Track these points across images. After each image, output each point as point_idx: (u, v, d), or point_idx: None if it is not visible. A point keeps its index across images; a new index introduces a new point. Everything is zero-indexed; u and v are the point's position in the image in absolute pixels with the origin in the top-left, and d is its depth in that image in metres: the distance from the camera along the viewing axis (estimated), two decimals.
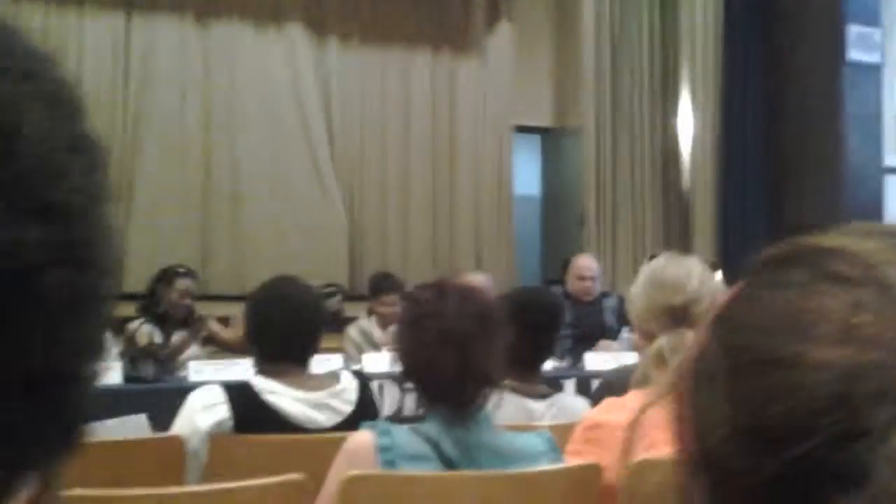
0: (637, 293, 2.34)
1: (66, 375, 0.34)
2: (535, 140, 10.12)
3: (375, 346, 5.65)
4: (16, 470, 0.32)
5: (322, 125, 8.70)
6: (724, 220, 8.80)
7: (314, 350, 2.85)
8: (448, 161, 9.12)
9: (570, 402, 3.17)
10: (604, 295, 6.39)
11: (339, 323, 6.22)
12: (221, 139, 8.36)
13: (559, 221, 9.74)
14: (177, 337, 5.40)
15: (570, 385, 4.43)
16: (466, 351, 2.05)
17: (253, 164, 8.42)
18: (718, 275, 2.44)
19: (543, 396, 3.08)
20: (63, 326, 0.32)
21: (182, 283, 5.55)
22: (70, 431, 0.35)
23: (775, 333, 0.44)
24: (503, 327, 2.14)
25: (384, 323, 5.82)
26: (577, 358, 5.41)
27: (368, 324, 6.01)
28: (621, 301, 6.37)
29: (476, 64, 9.23)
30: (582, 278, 6.17)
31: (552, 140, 10.03)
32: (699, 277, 2.28)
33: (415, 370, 2.13)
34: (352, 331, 6.00)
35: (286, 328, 2.75)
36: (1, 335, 0.30)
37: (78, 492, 1.90)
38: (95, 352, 0.36)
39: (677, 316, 2.23)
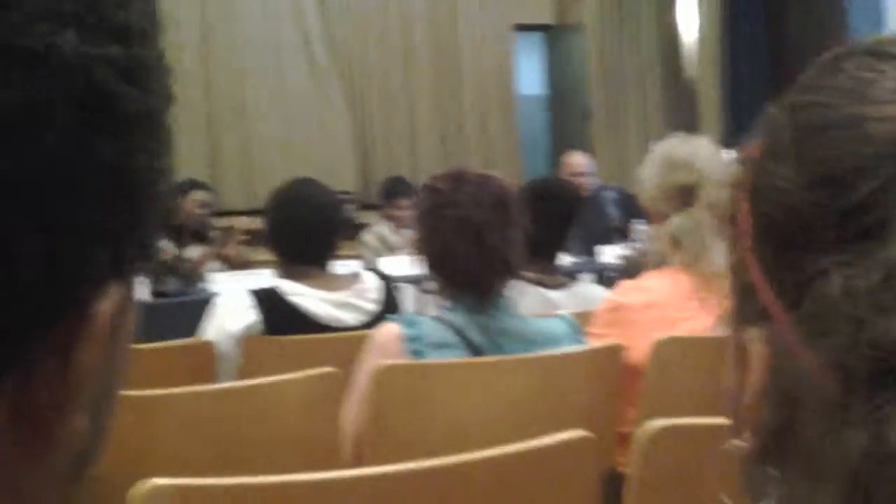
0: (648, 174, 2.37)
1: (141, 191, 0.37)
2: (538, 38, 10.02)
3: (391, 250, 5.69)
4: (110, 272, 0.36)
5: (321, 32, 8.62)
6: (729, 109, 8.76)
7: (334, 250, 2.88)
8: (451, 64, 9.06)
9: (589, 290, 3.21)
10: (602, 188, 6.45)
11: (352, 230, 6.26)
12: (220, 53, 8.30)
13: (566, 119, 9.70)
14: (194, 250, 5.46)
15: (586, 279, 4.47)
16: (484, 238, 2.07)
17: (254, 77, 8.37)
18: (729, 153, 2.45)
19: (562, 286, 3.12)
20: (136, 142, 0.36)
21: (197, 195, 5.61)
22: (146, 245, 0.39)
23: (836, 101, 0.51)
24: (520, 214, 2.16)
25: (399, 226, 5.86)
26: (589, 252, 5.45)
27: (383, 228, 6.05)
28: (622, 193, 6.42)
29: None
30: (574, 174, 6.23)
31: (555, 37, 9.92)
32: (709, 155, 2.31)
33: (434, 259, 2.16)
34: (367, 236, 6.05)
35: (306, 228, 2.78)
36: (82, 148, 0.33)
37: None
38: (165, 175, 0.39)
39: (689, 194, 2.26)
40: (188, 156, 7.97)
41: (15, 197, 0.31)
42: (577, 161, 6.48)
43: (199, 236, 5.57)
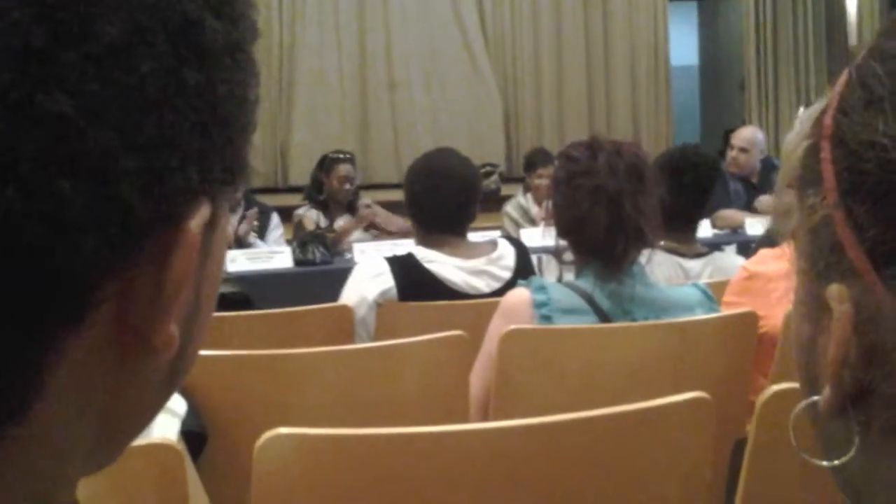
0: (792, 140, 2.30)
1: (227, 117, 0.40)
2: (692, 7, 9.81)
3: (532, 222, 5.70)
4: (198, 190, 0.39)
5: (474, 7, 8.67)
6: None
7: (471, 218, 2.91)
8: (602, 34, 8.96)
9: (726, 259, 3.15)
10: (770, 162, 6.06)
11: (496, 202, 6.28)
12: (375, 27, 8.44)
13: (719, 90, 9.48)
14: (341, 221, 5.58)
15: (730, 250, 4.39)
16: (618, 206, 2.08)
17: (406, 50, 8.48)
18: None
19: (699, 255, 3.07)
20: (222, 72, 0.39)
21: (342, 169, 5.71)
22: (235, 169, 0.42)
23: None
24: (655, 183, 2.15)
25: (540, 197, 5.84)
26: (739, 226, 5.35)
27: (525, 200, 6.05)
28: None
29: None
30: (732, 147, 5.92)
31: (709, 6, 9.69)
32: None
33: (568, 227, 2.17)
34: (508, 207, 6.06)
35: (443, 197, 2.81)
36: (173, 77, 0.36)
37: (258, 351, 2.06)
38: (251, 104, 0.42)
39: None
40: (341, 130, 8.18)
41: (113, 118, 0.34)
42: (741, 134, 6.05)
43: (349, 208, 5.69)
